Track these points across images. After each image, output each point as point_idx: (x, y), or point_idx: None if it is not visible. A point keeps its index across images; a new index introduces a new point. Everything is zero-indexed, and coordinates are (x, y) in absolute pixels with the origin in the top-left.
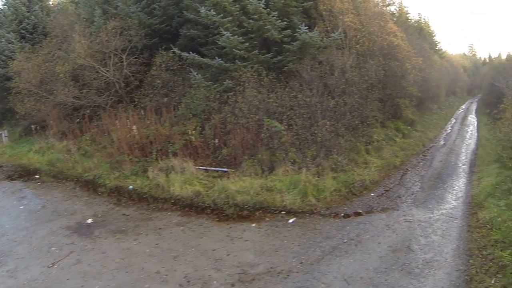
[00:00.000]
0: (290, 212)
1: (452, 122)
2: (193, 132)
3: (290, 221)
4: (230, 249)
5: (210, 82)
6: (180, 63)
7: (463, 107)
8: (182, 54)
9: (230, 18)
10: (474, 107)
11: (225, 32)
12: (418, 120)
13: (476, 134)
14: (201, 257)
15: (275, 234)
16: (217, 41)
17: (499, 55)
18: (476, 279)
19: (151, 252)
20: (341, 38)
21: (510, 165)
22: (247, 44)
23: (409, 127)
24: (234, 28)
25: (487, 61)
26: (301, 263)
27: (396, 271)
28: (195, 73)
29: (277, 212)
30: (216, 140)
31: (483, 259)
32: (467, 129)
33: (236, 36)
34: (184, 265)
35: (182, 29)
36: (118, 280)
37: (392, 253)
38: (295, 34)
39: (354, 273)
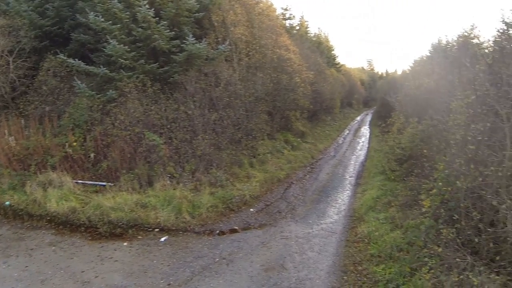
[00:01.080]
0: (164, 230)
1: (345, 134)
2: (74, 144)
3: (162, 239)
4: (99, 270)
5: (94, 92)
6: (68, 70)
7: (358, 118)
8: (68, 60)
9: (119, 25)
10: (368, 118)
11: (111, 40)
12: (309, 132)
13: (367, 146)
14: (69, 280)
15: (145, 253)
16: (104, 49)
17: (395, 71)
18: None
19: (19, 276)
20: (229, 50)
21: (393, 177)
22: (134, 53)
23: (299, 139)
24: (123, 36)
25: (384, 75)
26: (169, 284)
27: None
28: (78, 82)
29: (150, 229)
30: (92, 155)
31: (358, 275)
32: (359, 140)
33: (123, 44)
34: None
35: (74, 33)
36: None
37: (264, 272)
38: (182, 45)
39: None
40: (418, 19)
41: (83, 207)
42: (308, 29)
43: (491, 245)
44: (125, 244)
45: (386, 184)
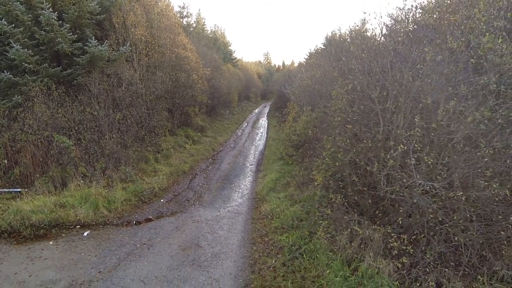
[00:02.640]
0: (85, 226)
1: (244, 126)
2: None
3: (85, 234)
4: (31, 269)
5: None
6: None
7: (256, 111)
8: None
9: (22, 28)
10: (266, 110)
11: (14, 44)
12: (209, 126)
13: (265, 136)
14: (4, 283)
15: (72, 248)
16: (7, 53)
17: (292, 63)
18: (259, 261)
19: None
20: (129, 51)
21: (290, 161)
22: (37, 56)
23: (199, 134)
24: (26, 39)
25: (281, 68)
26: (100, 272)
27: (187, 266)
28: None
29: (72, 227)
30: (6, 161)
31: (265, 245)
32: (257, 131)
33: (26, 48)
34: None
35: None
36: None
37: (182, 252)
38: (85, 48)
39: (149, 274)
40: (319, 12)
41: (2, 214)
42: (205, 26)
43: (370, 201)
44: (51, 243)
45: (284, 168)
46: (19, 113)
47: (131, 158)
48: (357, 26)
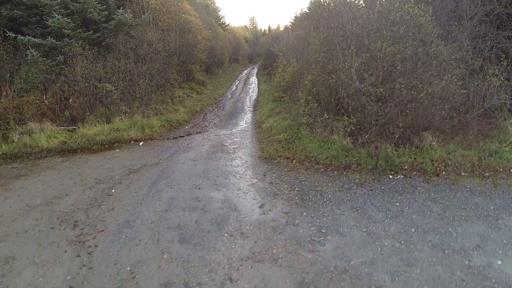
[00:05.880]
0: (137, 140)
1: (237, 83)
2: (37, 101)
3: (140, 144)
4: (112, 162)
5: (44, 58)
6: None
7: (245, 71)
8: (19, 37)
9: (59, 1)
10: (255, 71)
11: (56, 15)
12: (208, 81)
13: (257, 90)
14: (97, 169)
15: (135, 151)
16: (46, 22)
17: (278, 27)
18: (265, 148)
19: (59, 177)
20: (149, 18)
21: (281, 99)
22: (72, 24)
23: (201, 87)
24: (61, 9)
25: (267, 32)
26: (160, 159)
27: (219, 152)
28: (32, 51)
29: (128, 142)
30: (70, 100)
31: (268, 140)
32: (249, 86)
33: (65, 17)
34: (89, 175)
35: (1, 9)
36: (48, 192)
37: (213, 147)
38: (113, 16)
39: (194, 157)
40: None
41: (70, 139)
42: None
43: (334, 103)
44: (117, 150)
45: (277, 104)
46: (63, 68)
47: (155, 101)
48: None
